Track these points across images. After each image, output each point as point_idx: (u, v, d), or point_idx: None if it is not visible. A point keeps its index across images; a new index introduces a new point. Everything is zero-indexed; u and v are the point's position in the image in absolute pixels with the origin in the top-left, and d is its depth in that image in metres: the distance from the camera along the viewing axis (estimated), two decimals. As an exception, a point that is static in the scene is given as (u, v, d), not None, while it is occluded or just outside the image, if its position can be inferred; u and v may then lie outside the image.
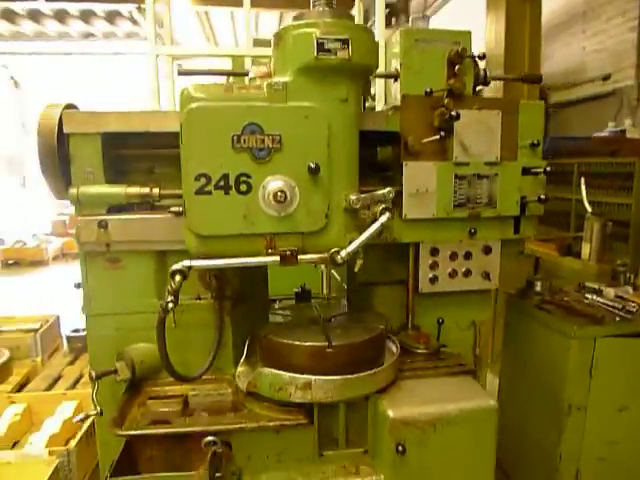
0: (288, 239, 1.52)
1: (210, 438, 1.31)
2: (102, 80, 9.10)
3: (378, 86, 2.30)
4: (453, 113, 1.67)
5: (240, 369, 1.69)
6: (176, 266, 1.45)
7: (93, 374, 1.62)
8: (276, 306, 2.18)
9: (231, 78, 2.24)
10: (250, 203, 1.47)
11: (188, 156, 1.44)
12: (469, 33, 1.81)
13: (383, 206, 1.50)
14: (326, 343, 1.49)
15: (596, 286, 2.35)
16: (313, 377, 1.47)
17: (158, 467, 1.46)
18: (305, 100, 1.46)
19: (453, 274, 1.96)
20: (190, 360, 1.76)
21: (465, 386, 1.62)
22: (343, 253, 1.46)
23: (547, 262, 3.02)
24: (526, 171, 1.85)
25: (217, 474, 1.36)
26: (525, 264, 3.26)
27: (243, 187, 1.46)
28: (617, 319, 1.98)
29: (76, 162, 1.64)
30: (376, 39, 1.58)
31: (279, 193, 1.43)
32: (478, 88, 1.89)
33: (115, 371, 1.66)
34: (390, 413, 1.47)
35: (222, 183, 1.45)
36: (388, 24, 8.19)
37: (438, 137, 1.73)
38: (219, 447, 1.31)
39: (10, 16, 8.36)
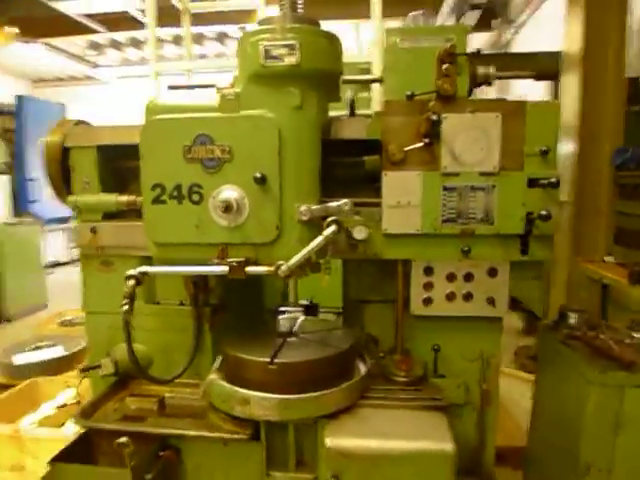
0: (240, 250, 1.52)
1: (122, 439, 1.36)
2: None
3: (375, 92, 2.17)
4: (434, 117, 1.53)
5: (209, 377, 1.71)
6: (130, 271, 1.54)
7: (80, 367, 1.78)
8: (283, 317, 2.18)
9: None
10: (202, 213, 1.50)
11: (145, 167, 1.52)
12: (464, 29, 1.64)
13: (331, 218, 1.43)
14: (269, 359, 1.45)
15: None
16: (252, 393, 1.44)
17: (110, 461, 1.54)
18: (257, 109, 1.46)
19: (451, 297, 1.77)
20: (175, 362, 1.84)
21: (428, 423, 1.45)
22: (284, 267, 1.41)
23: (617, 291, 2.57)
24: (533, 183, 1.60)
25: (147, 475, 1.40)
26: (595, 293, 2.83)
27: (195, 197, 1.50)
28: (658, 366, 1.61)
29: (75, 173, 1.82)
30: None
31: (221, 203, 1.44)
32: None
33: (98, 367, 1.80)
34: (328, 441, 1.38)
35: (176, 193, 1.51)
36: (486, 26, 7.71)
37: (421, 144, 1.59)
38: (132, 449, 1.34)
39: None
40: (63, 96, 11.55)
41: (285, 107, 1.45)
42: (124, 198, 1.78)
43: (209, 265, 1.52)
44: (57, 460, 1.41)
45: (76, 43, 9.69)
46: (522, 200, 1.61)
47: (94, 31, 8.41)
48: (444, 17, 6.77)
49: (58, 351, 3.72)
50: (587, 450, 1.66)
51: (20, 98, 7.49)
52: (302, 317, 2.04)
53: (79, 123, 1.90)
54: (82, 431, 1.55)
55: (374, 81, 1.76)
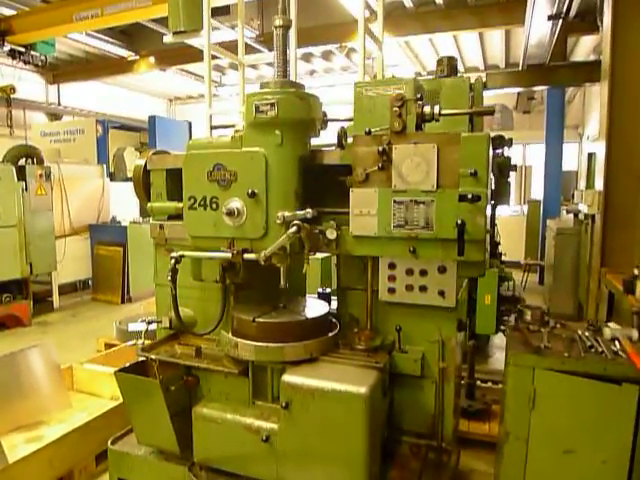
0: (242, 242, 2.28)
1: (153, 357, 2.18)
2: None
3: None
4: (380, 148, 2.12)
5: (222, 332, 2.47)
6: (172, 254, 2.38)
7: (146, 320, 2.69)
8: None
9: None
10: (218, 216, 2.29)
11: (185, 185, 2.36)
12: (413, 80, 2.20)
13: (294, 222, 2.10)
14: (252, 318, 2.18)
15: (612, 326, 2.25)
16: (239, 340, 2.18)
17: (156, 381, 2.39)
18: (253, 146, 2.21)
19: (410, 288, 2.32)
20: (211, 324, 2.65)
21: (360, 375, 2.05)
22: (262, 254, 2.13)
23: (617, 299, 2.79)
24: (462, 198, 2.08)
25: (172, 387, 2.22)
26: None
27: (214, 206, 2.30)
28: (565, 354, 1.98)
29: (153, 187, 2.74)
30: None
31: (226, 210, 2.20)
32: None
33: (160, 322, 2.69)
34: (284, 377, 2.06)
35: (202, 202, 2.32)
36: (594, 29, 7.49)
37: (376, 168, 2.19)
38: (157, 363, 2.17)
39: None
40: (193, 112, 13.62)
41: (270, 145, 2.18)
42: (180, 205, 2.64)
43: (221, 252, 2.29)
44: (118, 371, 2.31)
45: (202, 67, 11.49)
46: (455, 211, 2.11)
47: (215, 57, 9.98)
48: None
49: (159, 324, 4.86)
50: (508, 421, 2.09)
51: (152, 118, 9.24)
52: (311, 299, 2.73)
53: (157, 153, 2.82)
54: (140, 359, 2.43)
55: (348, 120, 2.40)
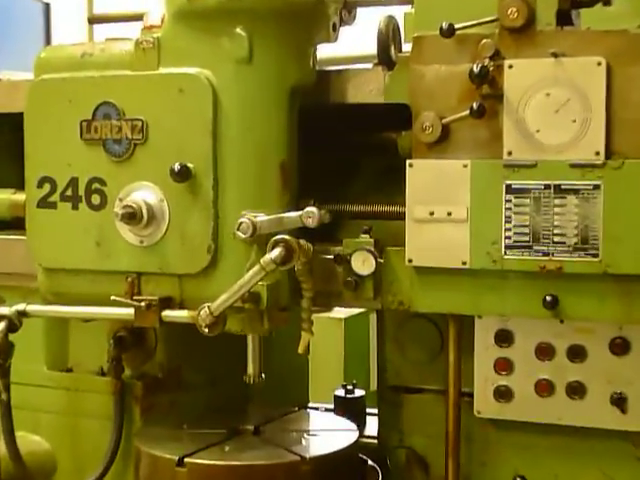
0: (160, 283, 2.25)
1: None
2: None
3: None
4: (475, 68, 2.07)
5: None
6: (3, 310, 2.35)
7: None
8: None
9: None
10: (104, 223, 2.26)
11: (30, 151, 2.34)
12: None
13: (279, 237, 2.06)
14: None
15: None
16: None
17: None
18: (184, 64, 2.18)
19: (545, 388, 2.26)
20: (91, 467, 2.60)
21: None
22: (204, 310, 2.09)
23: None
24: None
25: None
26: None
27: (95, 198, 2.27)
28: None
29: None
30: None
31: (122, 210, 2.17)
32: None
33: (-25, 464, 2.66)
34: None
35: (70, 192, 2.30)
36: None
37: (467, 113, 2.14)
38: None
39: None
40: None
41: (225, 60, 2.15)
42: (20, 197, 2.60)
43: (112, 305, 2.26)
44: None
45: None
46: (648, 213, 2.06)
47: None
48: None
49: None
50: None
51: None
52: (320, 414, 2.71)
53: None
54: None
55: (401, 4, 2.37)
